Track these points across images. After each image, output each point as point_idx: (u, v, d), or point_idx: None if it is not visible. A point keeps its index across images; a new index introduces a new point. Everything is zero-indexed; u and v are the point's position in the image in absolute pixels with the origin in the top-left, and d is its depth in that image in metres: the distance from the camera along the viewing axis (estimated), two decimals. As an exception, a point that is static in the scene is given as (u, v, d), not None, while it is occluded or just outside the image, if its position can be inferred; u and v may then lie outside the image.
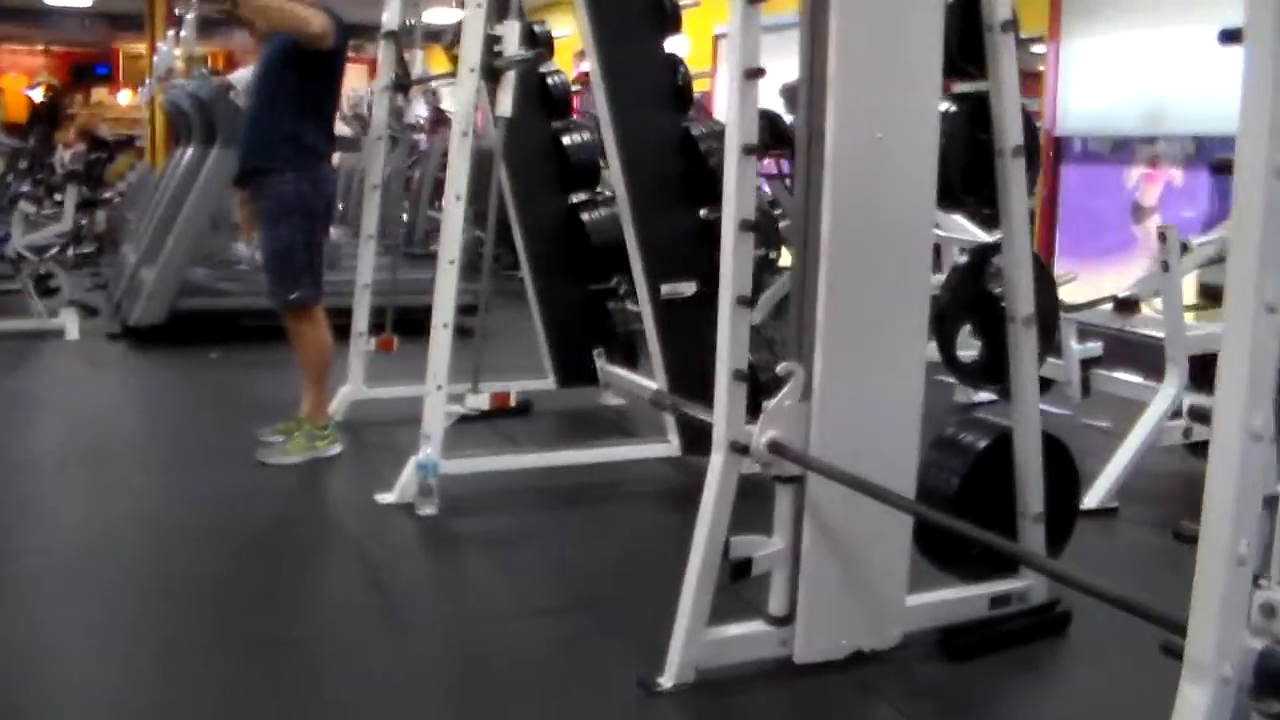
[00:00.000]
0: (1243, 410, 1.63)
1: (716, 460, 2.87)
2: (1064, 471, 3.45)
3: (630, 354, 5.75)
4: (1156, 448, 4.52)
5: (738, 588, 2.92)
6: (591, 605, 3.40)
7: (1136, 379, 4.94)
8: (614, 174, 4.43)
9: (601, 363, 5.69)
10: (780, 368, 2.87)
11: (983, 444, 3.30)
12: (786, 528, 2.98)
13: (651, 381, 5.17)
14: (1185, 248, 4.42)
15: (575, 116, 5.83)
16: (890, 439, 3.00)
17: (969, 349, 3.48)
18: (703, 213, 4.55)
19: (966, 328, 3.40)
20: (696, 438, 4.60)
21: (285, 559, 3.70)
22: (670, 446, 4.73)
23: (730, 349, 2.82)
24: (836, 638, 3.03)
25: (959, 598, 3.27)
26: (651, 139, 4.45)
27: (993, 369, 3.33)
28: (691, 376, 4.51)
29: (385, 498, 4.15)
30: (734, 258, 2.79)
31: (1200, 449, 4.79)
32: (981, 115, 3.07)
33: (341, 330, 4.90)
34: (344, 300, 5.09)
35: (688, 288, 4.52)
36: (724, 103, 8.28)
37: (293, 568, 3.64)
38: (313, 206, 4.43)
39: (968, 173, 3.13)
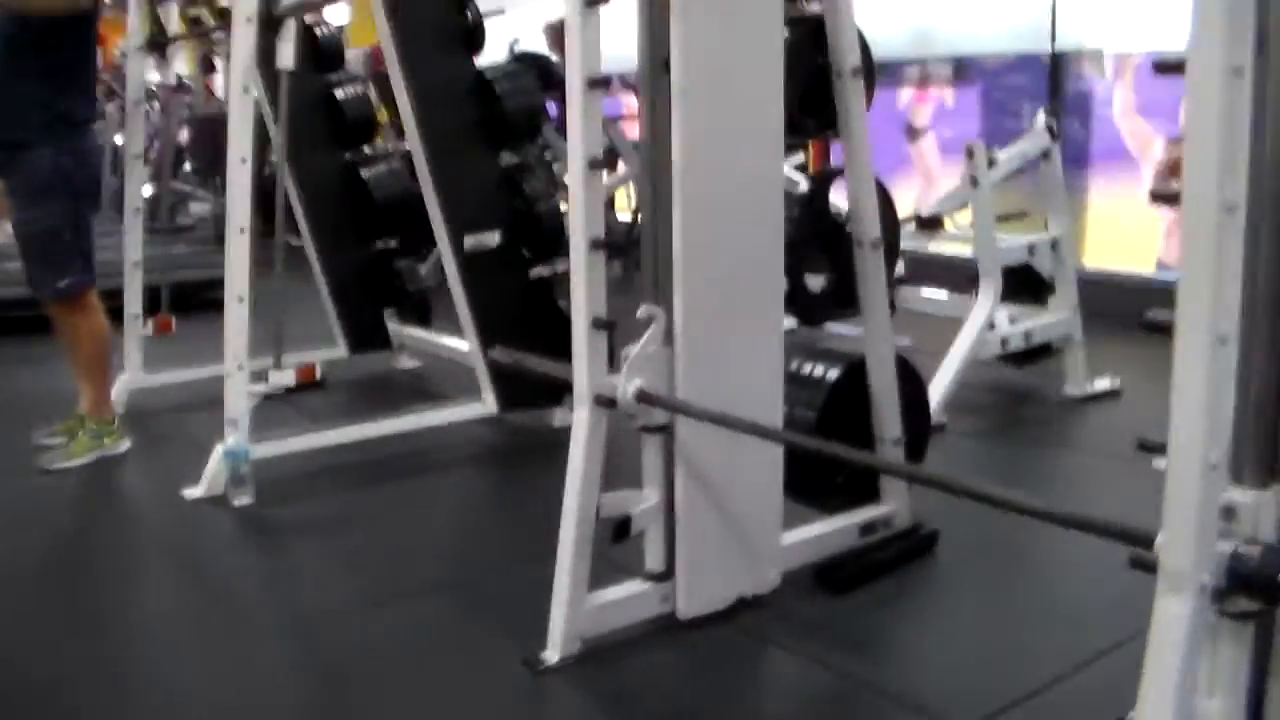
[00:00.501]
0: (1209, 315, 1.56)
1: (581, 416, 2.68)
2: (914, 392, 3.43)
3: (423, 313, 5.50)
4: (974, 362, 4.58)
5: (603, 548, 2.75)
6: (445, 586, 3.16)
7: (942, 295, 5.00)
8: (406, 122, 4.13)
9: (394, 325, 5.41)
10: (641, 312, 2.69)
11: (834, 374, 3.23)
12: (657, 480, 2.83)
13: (456, 340, 4.95)
14: (991, 162, 4.46)
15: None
16: (756, 378, 2.88)
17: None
18: (503, 159, 4.32)
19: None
20: (514, 394, 4.42)
21: (94, 573, 3.30)
22: (485, 405, 4.49)
23: (587, 296, 2.63)
24: (718, 588, 2.91)
25: (831, 530, 3.23)
26: (443, 82, 4.17)
27: (841, 295, 3.26)
28: (501, 330, 4.33)
29: (192, 492, 3.79)
30: (584, 198, 2.59)
31: (1015, 359, 4.91)
32: (818, 38, 2.96)
33: (113, 315, 4.42)
34: (110, 282, 4.61)
35: (492, 238, 4.30)
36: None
37: (105, 581, 3.25)
38: (76, 182, 3.94)
39: (807, 97, 3.01)
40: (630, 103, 9.13)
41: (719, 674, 2.72)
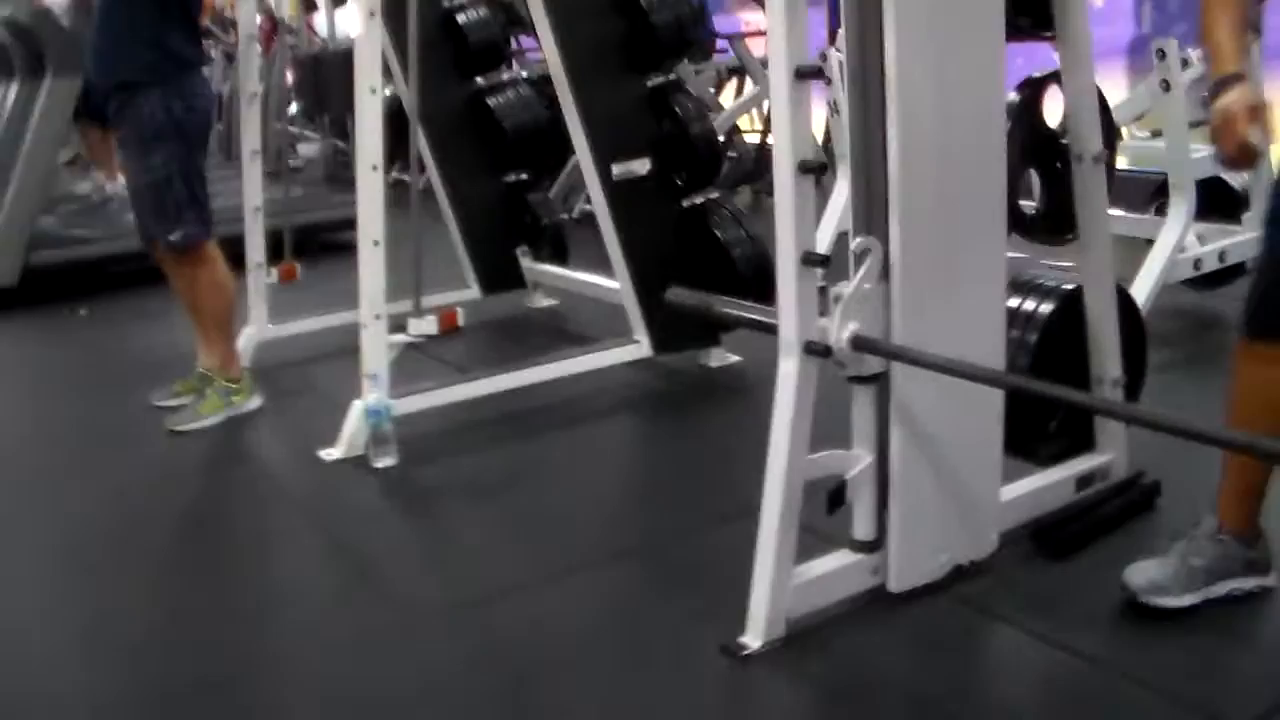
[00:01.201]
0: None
1: (790, 367, 2.33)
2: (1133, 327, 3.03)
3: (559, 249, 5.18)
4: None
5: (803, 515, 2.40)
6: (623, 554, 2.86)
7: (1118, 213, 4.54)
8: (543, 40, 3.78)
9: (528, 262, 5.10)
10: (855, 244, 2.33)
11: (1049, 308, 2.84)
12: (869, 437, 2.48)
13: (595, 276, 4.64)
14: (1185, 64, 4.00)
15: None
16: (979, 317, 2.52)
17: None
18: (650, 80, 3.95)
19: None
20: (672, 335, 4.10)
21: (239, 549, 3.05)
22: (639, 348, 4.16)
23: (796, 226, 2.26)
24: (934, 555, 2.57)
25: (1047, 484, 2.88)
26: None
27: (1058, 219, 2.87)
28: (653, 265, 4.00)
29: (331, 453, 3.51)
30: (789, 114, 2.21)
31: (1205, 282, 4.47)
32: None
33: (233, 263, 4.13)
34: (226, 229, 4.32)
35: (641, 165, 3.95)
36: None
37: (251, 560, 2.99)
38: (188, 126, 3.64)
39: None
40: (750, 19, 8.68)
41: (944, 657, 2.39)
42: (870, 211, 2.37)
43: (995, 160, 2.46)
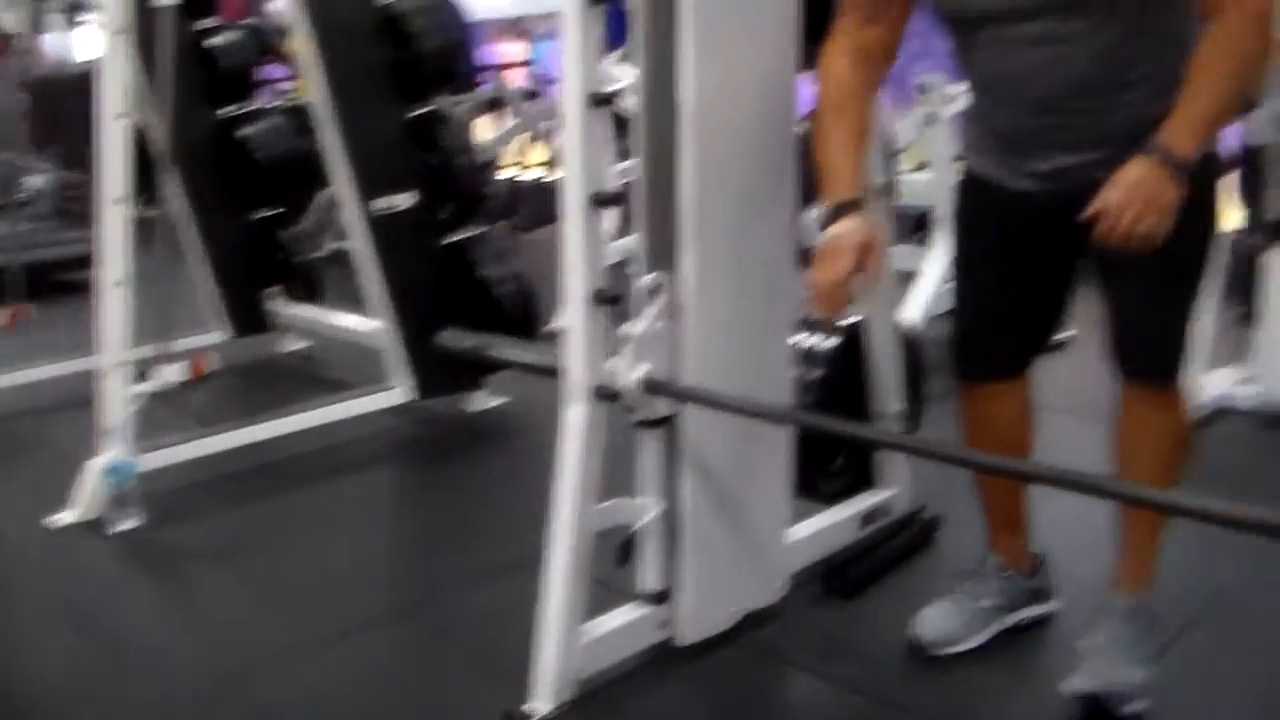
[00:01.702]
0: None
1: (577, 414, 2.20)
2: (913, 359, 3.04)
3: (312, 289, 4.92)
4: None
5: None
6: (391, 617, 2.66)
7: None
8: (305, 66, 3.55)
9: (280, 304, 4.82)
10: (646, 280, 2.21)
11: (830, 344, 2.81)
12: (657, 484, 2.36)
13: (351, 318, 4.41)
14: (949, 98, 4.11)
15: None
16: (770, 354, 2.45)
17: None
18: (415, 111, 3.78)
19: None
20: (434, 379, 3.91)
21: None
22: (400, 393, 3.95)
23: (586, 263, 2.14)
24: (725, 604, 2.48)
25: (832, 524, 2.83)
26: (347, 19, 3.59)
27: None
28: (416, 305, 3.82)
29: (62, 519, 3.16)
30: (582, 143, 2.10)
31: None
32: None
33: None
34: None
35: (404, 199, 3.76)
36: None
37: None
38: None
39: (811, 19, 2.54)
40: (509, 50, 8.58)
41: (739, 710, 2.30)
42: (661, 246, 2.26)
43: (788, 192, 2.39)
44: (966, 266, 2.33)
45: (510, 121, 7.16)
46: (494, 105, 7.28)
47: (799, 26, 2.33)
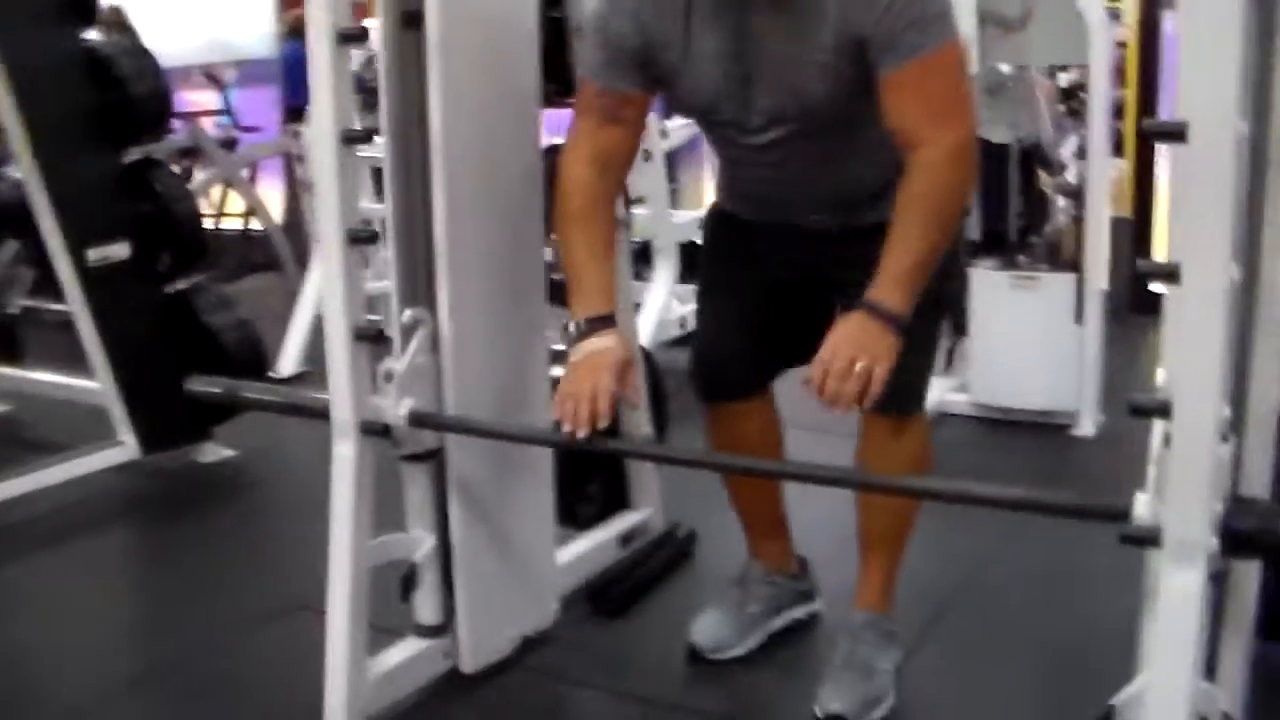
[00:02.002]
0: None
1: (345, 451, 2.19)
2: (655, 384, 3.16)
3: (11, 347, 4.62)
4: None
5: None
6: (140, 682, 2.55)
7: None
8: (5, 113, 3.36)
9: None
10: (405, 317, 2.23)
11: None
12: (427, 517, 2.38)
13: (55, 375, 4.18)
14: (664, 134, 4.27)
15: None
16: (527, 382, 2.49)
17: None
18: (127, 157, 3.63)
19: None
20: (161, 432, 3.75)
21: None
22: (124, 449, 3.77)
23: (345, 301, 2.14)
24: (503, 630, 2.51)
25: (594, 546, 2.90)
26: (46, 61, 3.41)
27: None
28: (137, 356, 3.67)
29: None
30: (338, 183, 2.10)
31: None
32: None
33: None
34: None
35: (119, 250, 3.60)
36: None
37: None
38: None
39: (546, 58, 2.63)
40: (199, 99, 8.29)
41: (527, 729, 2.34)
42: (416, 282, 2.28)
43: (537, 225, 2.45)
44: (711, 292, 2.44)
45: (208, 170, 6.94)
46: (188, 154, 7.04)
47: (539, 66, 2.41)
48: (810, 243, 2.20)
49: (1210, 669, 1.76)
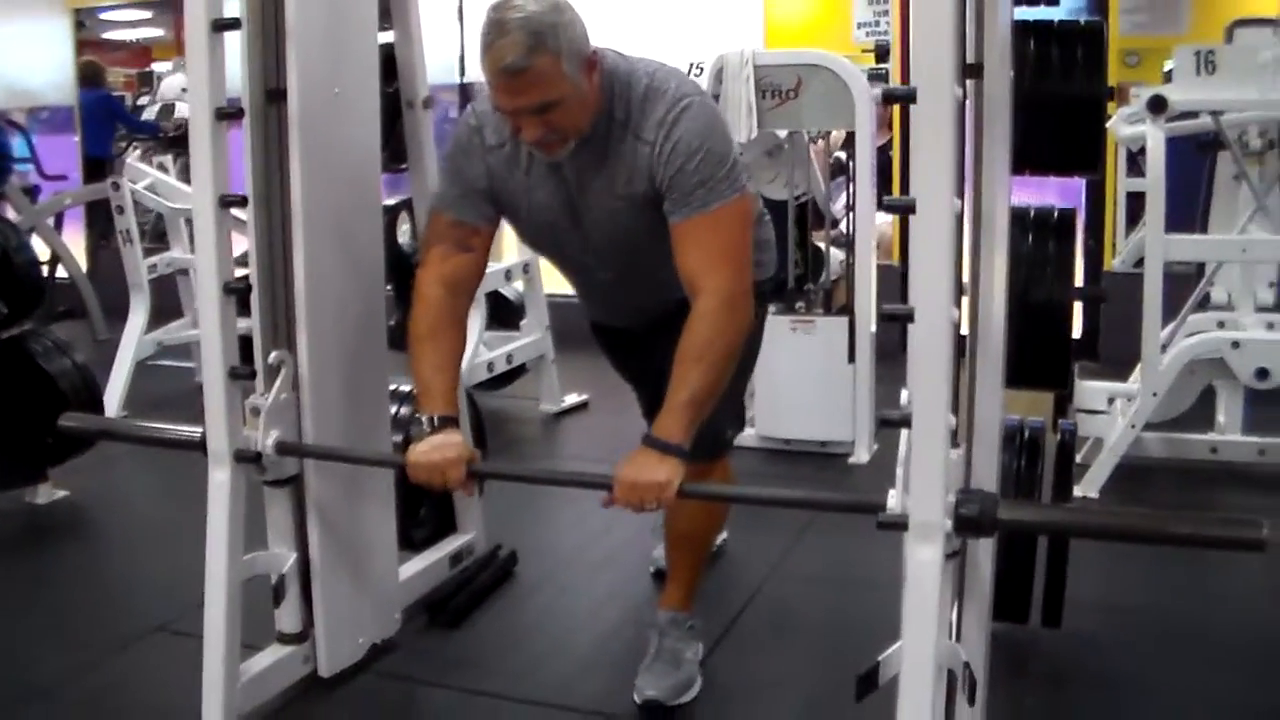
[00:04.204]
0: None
1: (221, 477, 2.47)
2: (477, 420, 3.50)
3: None
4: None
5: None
6: (35, 697, 2.74)
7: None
8: None
9: None
10: (271, 358, 2.52)
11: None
12: (288, 536, 2.67)
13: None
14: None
15: None
16: (372, 415, 2.81)
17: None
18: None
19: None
20: (-1, 473, 3.90)
21: None
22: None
23: (221, 344, 2.43)
24: (354, 638, 2.81)
25: (428, 564, 3.22)
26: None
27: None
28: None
29: None
30: (215, 239, 2.39)
31: (494, 382, 5.05)
32: (389, 68, 2.93)
33: None
34: None
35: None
36: None
37: None
38: None
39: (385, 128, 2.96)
40: None
41: (385, 722, 2.64)
42: (278, 327, 2.58)
43: (380, 276, 2.79)
44: (621, 374, 2.88)
45: (13, 218, 6.94)
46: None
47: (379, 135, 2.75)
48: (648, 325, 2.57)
49: (956, 632, 2.20)
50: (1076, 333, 5.54)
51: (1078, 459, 4.03)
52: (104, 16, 9.21)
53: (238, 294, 2.42)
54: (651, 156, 2.23)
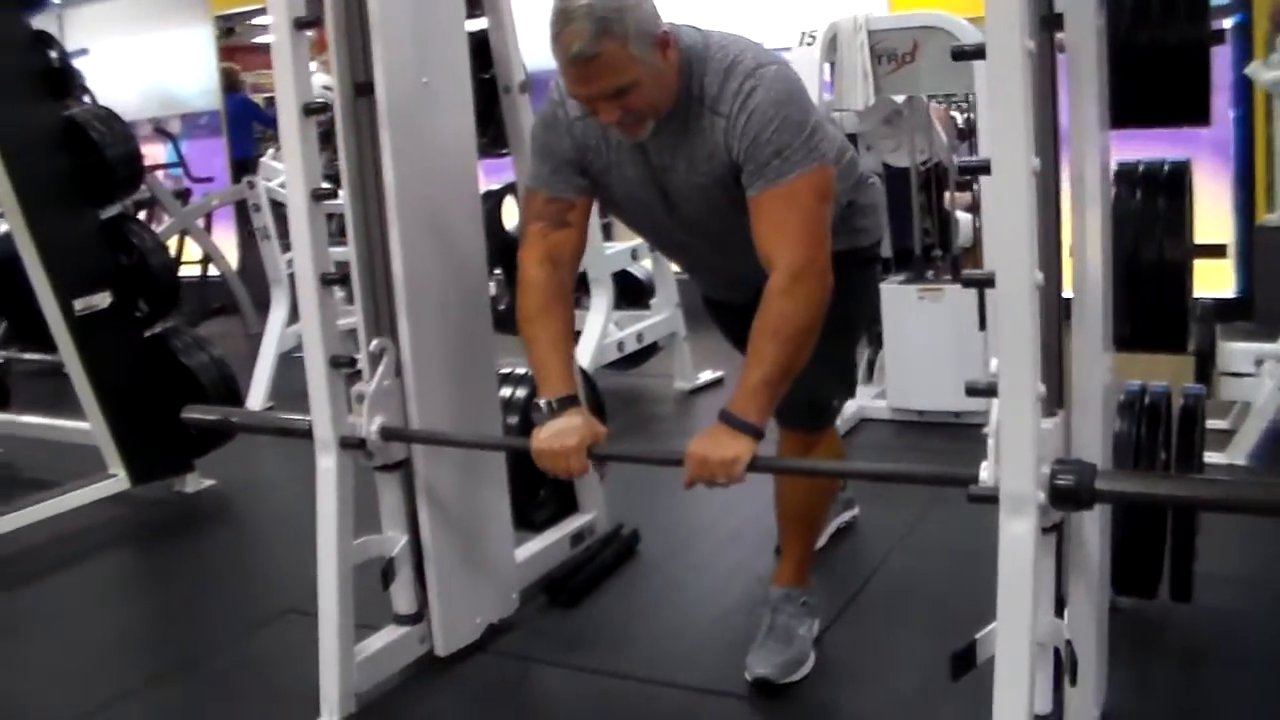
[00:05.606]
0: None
1: (327, 463, 2.53)
2: (597, 403, 3.50)
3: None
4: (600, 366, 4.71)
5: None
6: (159, 679, 2.86)
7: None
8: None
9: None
10: (372, 345, 2.57)
11: (526, 393, 3.23)
12: (400, 519, 2.72)
13: (41, 417, 4.50)
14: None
15: None
16: (479, 399, 2.85)
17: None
18: (105, 213, 3.96)
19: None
20: (148, 464, 4.07)
21: None
22: (115, 482, 4.08)
23: (321, 334, 2.49)
24: (470, 618, 2.85)
25: (547, 545, 3.24)
26: (28, 128, 3.75)
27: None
28: (122, 396, 3.99)
29: None
30: (310, 232, 2.44)
31: (626, 362, 5.07)
32: (482, 52, 2.95)
33: None
34: None
35: (102, 299, 3.93)
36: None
37: None
38: None
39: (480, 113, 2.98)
40: (149, 153, 8.58)
41: (504, 704, 2.68)
42: (379, 316, 2.63)
43: (481, 261, 2.82)
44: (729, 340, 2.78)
45: (165, 221, 7.25)
46: (143, 205, 7.36)
47: (474, 121, 2.77)
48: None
49: (1060, 607, 2.12)
50: (1222, 292, 5.36)
51: (1225, 425, 3.88)
52: (247, 23, 9.50)
53: (335, 284, 2.47)
54: (728, 129, 2.20)
